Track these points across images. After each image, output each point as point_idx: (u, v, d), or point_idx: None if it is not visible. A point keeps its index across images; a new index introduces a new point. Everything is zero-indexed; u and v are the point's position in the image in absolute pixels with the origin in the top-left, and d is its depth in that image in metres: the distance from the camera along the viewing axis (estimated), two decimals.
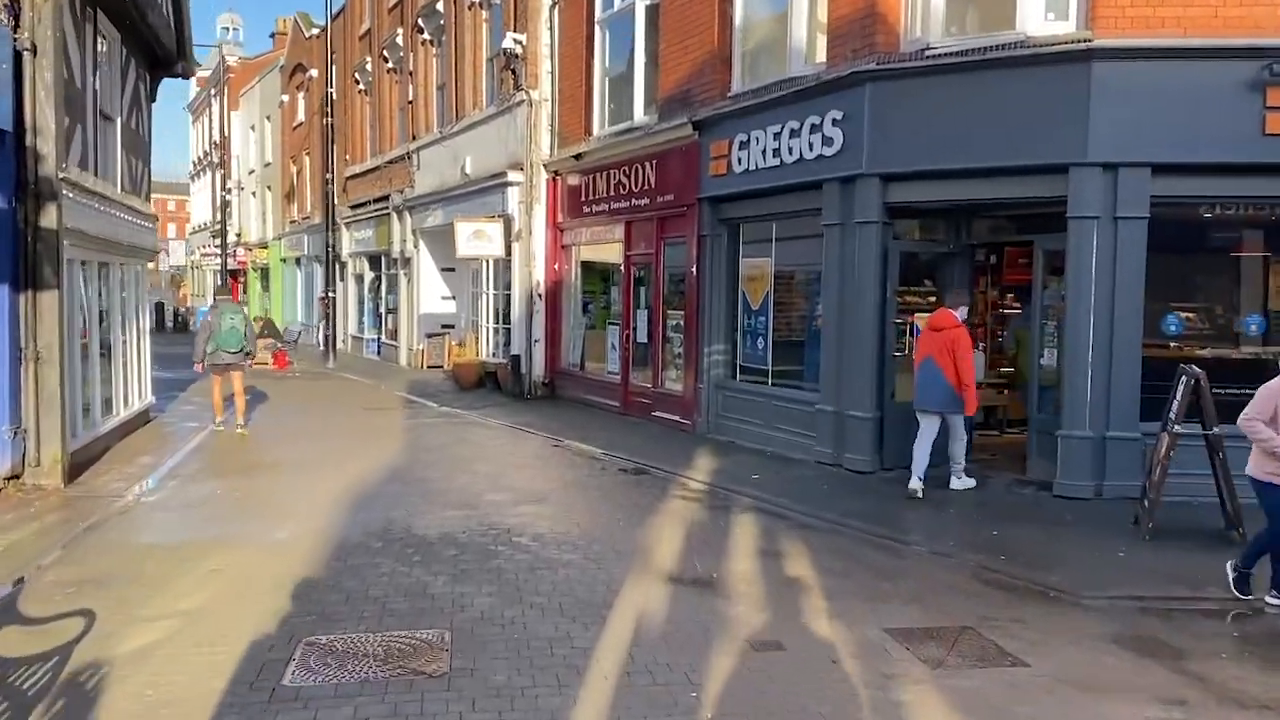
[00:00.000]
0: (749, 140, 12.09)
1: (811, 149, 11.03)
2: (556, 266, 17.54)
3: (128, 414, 12.73)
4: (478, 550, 7.36)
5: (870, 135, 10.34)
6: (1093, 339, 9.41)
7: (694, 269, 13.36)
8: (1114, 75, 9.16)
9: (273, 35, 50.76)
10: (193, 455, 11.65)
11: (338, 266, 30.96)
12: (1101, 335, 9.39)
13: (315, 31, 33.72)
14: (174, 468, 10.83)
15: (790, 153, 11.35)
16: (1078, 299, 9.43)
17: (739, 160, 12.30)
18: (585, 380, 16.75)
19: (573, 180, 16.85)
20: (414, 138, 23.91)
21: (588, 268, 17.34)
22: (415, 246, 23.66)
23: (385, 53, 26.03)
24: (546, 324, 17.64)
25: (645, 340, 14.93)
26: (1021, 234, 11.05)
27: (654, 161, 14.25)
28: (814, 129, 10.98)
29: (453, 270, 23.56)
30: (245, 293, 48.10)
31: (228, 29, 59.95)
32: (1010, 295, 13.51)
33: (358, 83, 29.14)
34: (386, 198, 25.39)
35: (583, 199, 16.42)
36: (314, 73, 32.90)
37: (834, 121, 10.71)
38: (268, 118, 42.58)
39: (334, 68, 31.28)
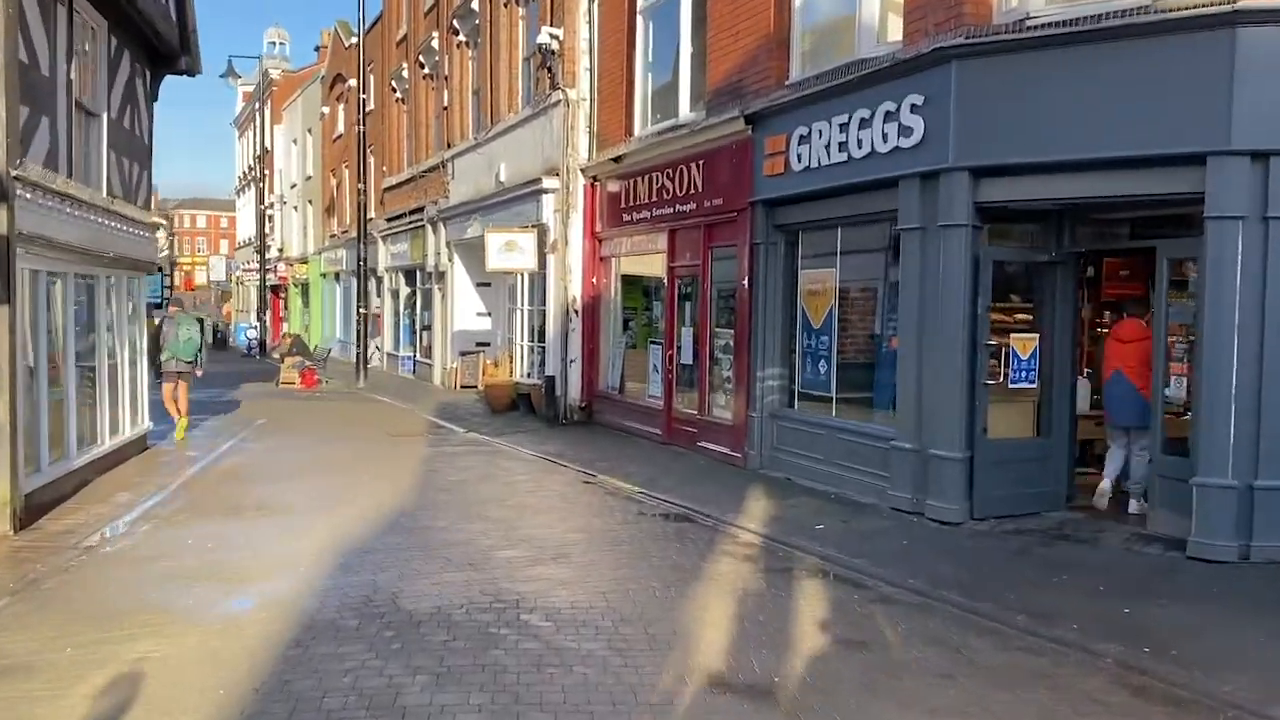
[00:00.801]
0: (810, 134, 10.53)
1: (885, 140, 9.43)
2: (594, 280, 16.08)
3: (115, 443, 11.46)
4: (475, 634, 5.84)
5: (957, 122, 8.72)
6: (1237, 366, 7.69)
7: (745, 282, 11.80)
8: (1264, 44, 7.47)
9: (317, 49, 50.19)
10: (178, 492, 10.32)
11: (374, 281, 29.97)
12: (1248, 361, 7.67)
13: (354, 40, 32.84)
14: (151, 508, 9.49)
15: (859, 146, 9.77)
16: (1218, 317, 7.71)
17: (798, 157, 10.73)
18: (624, 405, 15.23)
19: (612, 186, 15.39)
20: (449, 146, 22.68)
21: (628, 281, 15.86)
22: (449, 260, 22.38)
23: (421, 58, 24.89)
24: (583, 343, 16.17)
25: (690, 361, 13.38)
26: (1139, 239, 9.33)
27: (701, 162, 12.74)
28: (889, 117, 9.38)
29: (488, 285, 22.24)
30: (286, 308, 47.44)
31: (274, 43, 59.62)
32: (1107, 313, 11.75)
33: (394, 91, 28.06)
34: (421, 209, 24.19)
35: (623, 206, 14.94)
36: (353, 83, 31.93)
37: (913, 108, 9.11)
38: (309, 131, 41.87)
39: (372, 76, 30.34)
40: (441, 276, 23.05)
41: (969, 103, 8.68)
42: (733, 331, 12.31)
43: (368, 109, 29.33)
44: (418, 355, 25.75)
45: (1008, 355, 9.19)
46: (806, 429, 11.02)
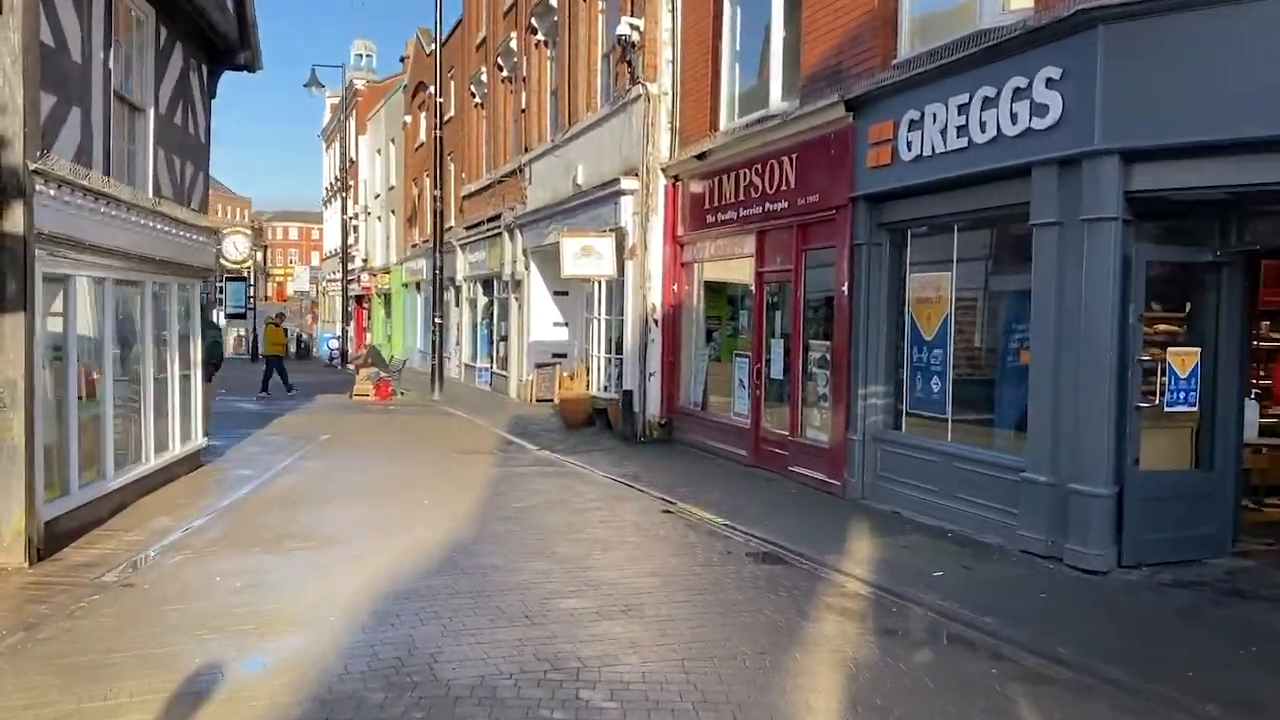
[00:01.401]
0: (922, 118, 9.24)
1: (1015, 122, 8.09)
2: (675, 287, 14.93)
3: (162, 461, 10.71)
4: (521, 719, 4.73)
5: (1104, 97, 7.35)
6: None
7: (845, 288, 10.53)
8: None
9: (402, 59, 50.28)
10: (220, 518, 9.47)
11: (452, 291, 29.38)
12: None
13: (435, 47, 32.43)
14: (186, 536, 8.64)
15: (982, 130, 8.45)
16: None
17: (908, 145, 9.45)
18: (707, 423, 14.03)
19: (695, 186, 14.24)
20: (526, 149, 21.83)
21: (712, 288, 14.68)
22: (526, 268, 21.49)
23: (500, 60, 24.14)
24: (663, 355, 15.03)
25: (781, 376, 12.13)
26: None
27: (794, 156, 11.51)
28: (1018, 94, 8.05)
29: (565, 294, 21.29)
30: (369, 319, 47.44)
31: (361, 55, 60.22)
32: (1265, 323, 10.17)
33: (474, 95, 27.41)
34: (499, 216, 23.41)
35: (707, 207, 13.78)
36: (434, 90, 31.53)
37: (1048, 82, 7.76)
38: (392, 140, 41.79)
39: (452, 83, 29.82)
40: (518, 285, 22.20)
41: (1119, 74, 7.31)
42: (829, 343, 11.05)
43: (446, 116, 28.81)
44: (494, 367, 24.96)
45: (1163, 372, 7.76)
46: (916, 455, 9.69)
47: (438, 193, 23.43)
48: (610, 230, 15.80)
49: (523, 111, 22.42)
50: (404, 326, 39.76)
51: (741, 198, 12.74)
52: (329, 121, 59.33)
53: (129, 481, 9.72)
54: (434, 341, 23.60)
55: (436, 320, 23.52)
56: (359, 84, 49.41)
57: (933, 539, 8.64)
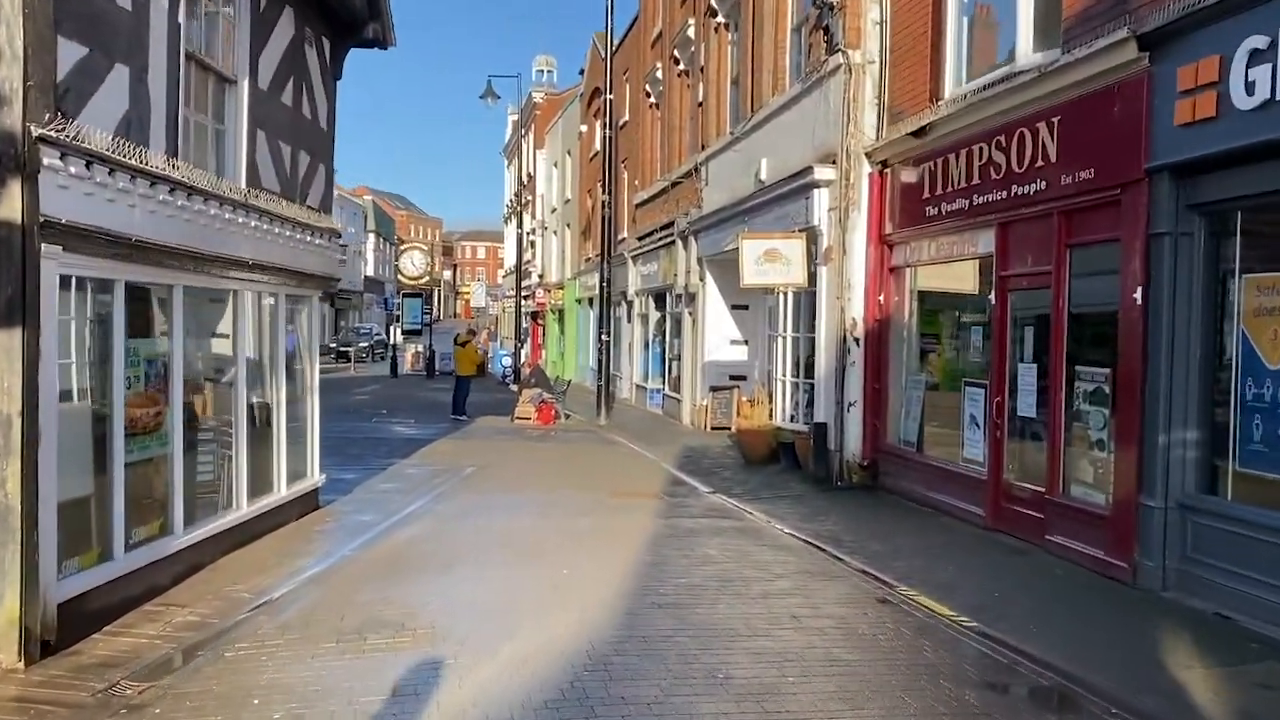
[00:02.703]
0: (1273, 46, 6.27)
1: None
2: (882, 298, 12.18)
3: (261, 507, 8.91)
4: None
5: None
6: None
7: (1137, 295, 7.58)
8: None
9: (581, 71, 49.38)
10: (308, 587, 7.49)
11: (623, 306, 27.44)
12: None
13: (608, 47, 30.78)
14: (254, 616, 6.67)
15: None
16: None
17: (1248, 88, 6.49)
18: (924, 468, 11.20)
19: (908, 172, 11.49)
20: (703, 147, 19.53)
21: (928, 299, 11.86)
22: (701, 279, 19.15)
23: (676, 52, 21.99)
24: (866, 381, 12.29)
25: (1032, 413, 9.20)
26: None
27: (1054, 121, 8.63)
28: None
29: (745, 308, 18.82)
30: (544, 336, 46.35)
31: (543, 71, 59.95)
32: None
33: (648, 95, 25.41)
34: (671, 224, 21.22)
35: (925, 196, 11.00)
36: (605, 84, 29.81)
37: None
38: (568, 152, 40.58)
39: (627, 86, 27.99)
40: (692, 298, 19.88)
41: None
42: (1108, 370, 8.09)
43: (620, 121, 27.00)
44: (666, 388, 22.72)
45: None
46: (1252, 533, 6.65)
47: (606, 197, 21.43)
48: (800, 231, 13.23)
49: (699, 106, 20.15)
50: (576, 343, 38.27)
51: (975, 181, 9.92)
52: (509, 138, 59.24)
53: (208, 536, 7.89)
54: (601, 360, 21.56)
55: (603, 337, 21.48)
56: (537, 97, 48.71)
57: None
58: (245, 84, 8.42)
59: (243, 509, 8.59)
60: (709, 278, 18.89)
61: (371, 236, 73.37)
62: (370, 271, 71.58)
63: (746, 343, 18.89)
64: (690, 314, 20.14)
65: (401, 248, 45.20)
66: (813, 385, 13.83)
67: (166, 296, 7.34)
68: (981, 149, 9.78)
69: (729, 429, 18.01)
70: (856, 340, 12.35)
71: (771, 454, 14.62)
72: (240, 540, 8.51)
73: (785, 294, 14.62)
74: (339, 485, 11.67)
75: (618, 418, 21.10)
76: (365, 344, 50.33)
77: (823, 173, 12.66)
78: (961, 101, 10.19)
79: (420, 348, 44.37)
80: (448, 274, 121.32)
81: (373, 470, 13.18)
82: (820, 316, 13.05)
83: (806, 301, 14.31)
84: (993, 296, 9.78)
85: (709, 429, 18.37)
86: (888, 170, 12.02)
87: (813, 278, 13.19)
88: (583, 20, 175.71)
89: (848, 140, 12.31)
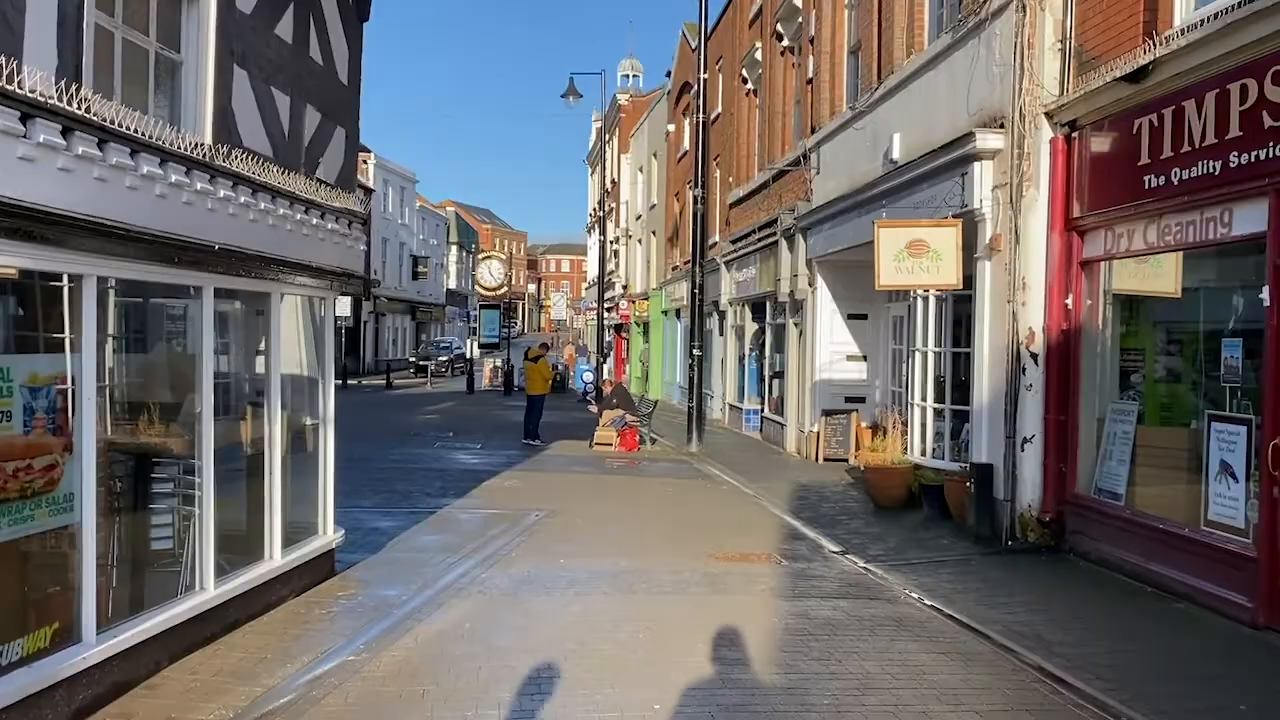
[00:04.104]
0: None
1: None
2: (1069, 301, 9.27)
3: (231, 589, 6.46)
4: None
5: None
6: None
7: None
8: None
9: (669, 73, 47.09)
10: None
11: (714, 317, 24.79)
12: None
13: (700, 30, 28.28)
14: None
15: None
16: None
17: None
18: (1139, 530, 8.25)
19: (1109, 134, 8.62)
20: (812, 130, 16.80)
21: (1130, 303, 8.97)
22: (810, 283, 16.38)
23: (780, 27, 19.30)
24: (1047, 411, 9.39)
25: None
26: None
27: None
28: None
29: (863, 317, 16.01)
30: (628, 347, 43.89)
31: (628, 76, 57.86)
32: None
33: (745, 82, 22.77)
34: (773, 222, 18.50)
35: (1142, 163, 8.10)
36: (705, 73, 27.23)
37: None
38: (654, 155, 38.19)
39: (720, 74, 25.43)
40: (798, 306, 17.12)
41: None
42: None
43: (713, 114, 24.41)
44: (766, 410, 19.94)
45: None
46: None
47: (699, 190, 18.76)
48: (953, 218, 10.42)
49: (808, 83, 17.43)
50: (662, 358, 35.71)
51: (1234, 135, 7.01)
52: (593, 145, 57.20)
53: (147, 638, 5.48)
54: (692, 377, 18.88)
55: (695, 351, 18.81)
56: (622, 99, 46.51)
57: None
58: (213, 3, 6.05)
59: (208, 591, 6.17)
60: (820, 282, 16.11)
61: (454, 248, 71.96)
62: (452, 284, 70.11)
63: (865, 358, 16.05)
64: (796, 324, 17.38)
65: (479, 256, 43.22)
66: (964, 413, 11.00)
67: (77, 290, 4.97)
68: (1245, 88, 6.89)
69: (845, 461, 15.22)
70: (1034, 357, 9.47)
71: (907, 496, 11.80)
72: (206, 634, 6.11)
73: (922, 298, 11.82)
74: (370, 539, 9.29)
75: (710, 443, 18.42)
76: (444, 358, 48.58)
77: (985, 141, 9.86)
78: (1207, 26, 7.29)
79: (498, 362, 42.31)
80: (532, 287, 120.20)
81: (419, 514, 10.76)
82: (980, 326, 10.22)
83: (952, 307, 11.51)
84: (1265, 295, 6.84)
85: (821, 459, 15.57)
86: (1077, 134, 9.14)
87: (968, 277, 10.39)
88: (667, 24, 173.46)
89: (1021, 98, 9.47)
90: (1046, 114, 9.38)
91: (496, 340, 37.11)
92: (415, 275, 60.31)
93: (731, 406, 23.57)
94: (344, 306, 37.64)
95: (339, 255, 7.75)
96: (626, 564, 8.73)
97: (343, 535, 8.18)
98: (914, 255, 10.23)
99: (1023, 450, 9.50)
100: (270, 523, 7.04)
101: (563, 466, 15.65)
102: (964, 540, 9.80)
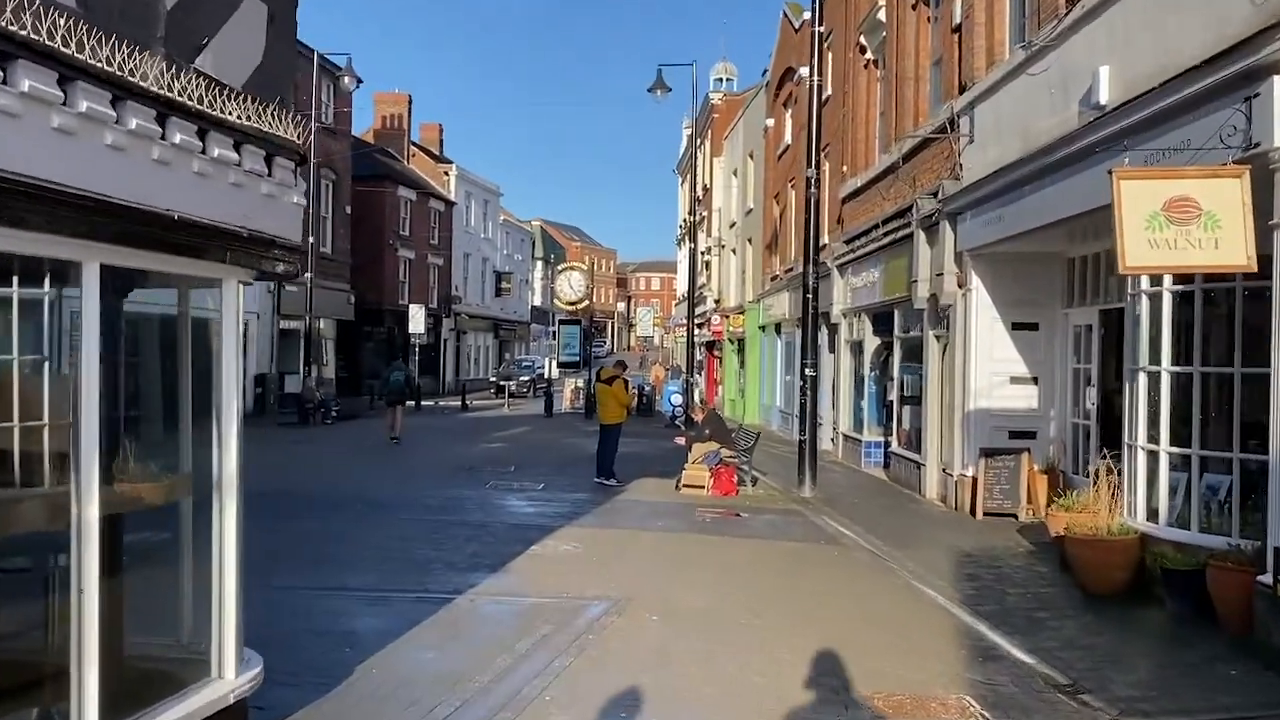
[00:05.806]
0: None
1: None
2: None
3: None
4: None
5: None
6: None
7: None
8: None
9: (765, 71, 43.79)
10: None
11: (824, 330, 21.12)
12: None
13: (805, 17, 24.82)
14: None
15: None
16: None
17: None
18: None
19: None
20: (961, 90, 13.17)
21: None
22: (961, 284, 12.70)
23: None
24: None
25: None
26: None
27: None
28: None
29: (1033, 328, 12.30)
30: (721, 366, 40.30)
31: (721, 80, 54.67)
32: None
33: (863, 51, 19.23)
34: (905, 211, 14.90)
35: None
36: (804, 71, 23.75)
37: None
38: (750, 155, 34.80)
39: (830, 53, 21.90)
40: (942, 315, 13.44)
41: None
42: None
43: (824, 96, 20.88)
44: (895, 443, 16.23)
45: None
46: None
47: (812, 172, 15.23)
48: (1234, 164, 6.75)
49: (955, 31, 13.81)
50: (759, 378, 32.11)
51: None
52: (683, 153, 54.08)
53: None
54: (803, 403, 15.31)
55: (808, 371, 15.22)
56: (715, 99, 43.29)
57: None
58: None
59: None
60: (975, 281, 12.41)
61: (539, 264, 69.48)
62: (537, 301, 67.58)
63: (1035, 380, 12.29)
64: (939, 337, 13.70)
65: (558, 269, 40.24)
66: (1226, 460, 7.30)
67: None
68: None
69: (1014, 517, 11.52)
70: None
71: (1131, 580, 8.11)
72: None
73: (1151, 295, 8.13)
74: (333, 655, 6.04)
75: (826, 485, 14.82)
76: (526, 378, 45.79)
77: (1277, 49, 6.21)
78: None
79: (580, 383, 39.12)
80: (621, 306, 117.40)
81: (427, 603, 7.47)
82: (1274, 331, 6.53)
83: (1203, 306, 7.83)
84: None
85: (980, 515, 11.85)
86: None
87: (1258, 256, 6.71)
88: (761, 26, 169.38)
89: None
90: None
91: (578, 359, 33.95)
92: (499, 291, 57.99)
93: (846, 437, 19.90)
94: (419, 323, 35.12)
95: (241, 207, 4.51)
96: (734, 713, 5.27)
97: (259, 671, 4.91)
98: (1178, 221, 6.59)
99: None
100: (80, 678, 3.82)
101: (641, 520, 12.20)
102: (1256, 664, 6.11)
